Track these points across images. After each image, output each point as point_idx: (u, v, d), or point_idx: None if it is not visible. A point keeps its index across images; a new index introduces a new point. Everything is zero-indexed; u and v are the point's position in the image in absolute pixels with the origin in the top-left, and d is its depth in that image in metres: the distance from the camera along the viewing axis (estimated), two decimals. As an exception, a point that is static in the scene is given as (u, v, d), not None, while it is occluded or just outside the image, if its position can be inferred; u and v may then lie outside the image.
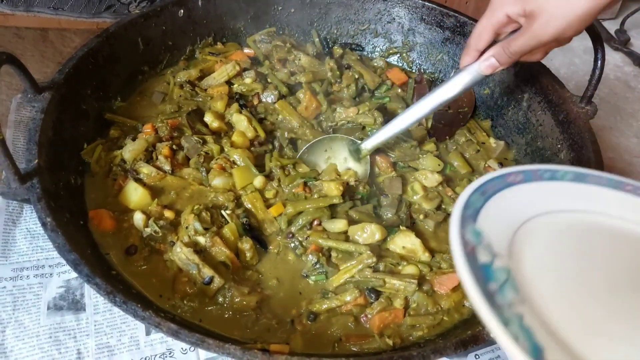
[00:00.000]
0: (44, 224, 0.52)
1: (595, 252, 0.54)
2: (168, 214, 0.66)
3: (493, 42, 0.66)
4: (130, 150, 0.71)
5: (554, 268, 0.49)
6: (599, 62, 0.68)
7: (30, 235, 0.72)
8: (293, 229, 0.68)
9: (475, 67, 0.67)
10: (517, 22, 0.61)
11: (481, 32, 0.64)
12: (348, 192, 0.73)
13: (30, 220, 0.74)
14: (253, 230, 0.67)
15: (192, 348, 0.62)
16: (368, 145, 0.76)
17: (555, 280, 0.47)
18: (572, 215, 0.57)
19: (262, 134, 0.78)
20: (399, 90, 0.92)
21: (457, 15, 0.88)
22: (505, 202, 0.53)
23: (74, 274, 0.68)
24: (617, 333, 0.44)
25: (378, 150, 0.78)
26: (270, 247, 0.67)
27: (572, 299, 0.46)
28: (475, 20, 0.86)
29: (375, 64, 0.96)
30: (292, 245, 0.67)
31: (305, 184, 0.73)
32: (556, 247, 0.52)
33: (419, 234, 0.69)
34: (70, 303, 0.66)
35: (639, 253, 0.55)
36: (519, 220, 0.52)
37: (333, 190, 0.70)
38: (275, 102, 0.84)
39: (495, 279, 0.42)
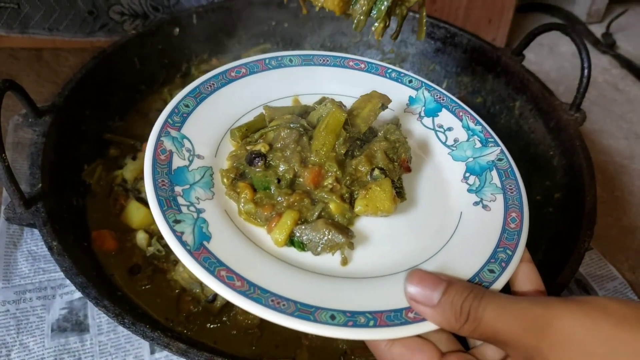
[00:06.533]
0: (50, 248, 0.53)
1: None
2: (170, 232, 0.67)
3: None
4: (131, 169, 0.71)
5: None
6: (586, 71, 0.69)
7: (32, 257, 0.72)
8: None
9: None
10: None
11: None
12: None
13: (31, 242, 0.74)
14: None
15: (198, 365, 0.63)
16: None
17: None
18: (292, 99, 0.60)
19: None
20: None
21: (447, 26, 0.89)
22: (223, 100, 0.55)
23: (76, 295, 0.68)
24: None
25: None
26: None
27: None
28: (465, 31, 0.88)
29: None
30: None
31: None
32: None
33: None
34: (74, 324, 0.66)
35: None
36: (238, 114, 0.55)
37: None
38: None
39: (185, 181, 0.46)
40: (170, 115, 0.51)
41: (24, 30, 0.94)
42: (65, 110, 0.68)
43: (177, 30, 0.86)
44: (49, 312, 0.67)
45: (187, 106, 0.52)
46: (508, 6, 1.21)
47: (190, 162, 0.48)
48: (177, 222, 0.42)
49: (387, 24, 0.54)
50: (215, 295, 0.60)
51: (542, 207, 0.73)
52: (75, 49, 1.07)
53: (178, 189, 0.45)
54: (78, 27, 0.98)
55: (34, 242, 0.74)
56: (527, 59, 0.85)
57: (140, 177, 0.72)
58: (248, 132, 0.53)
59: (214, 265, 0.40)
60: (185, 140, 0.50)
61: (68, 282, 0.68)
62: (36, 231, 0.73)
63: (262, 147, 0.50)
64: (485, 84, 0.87)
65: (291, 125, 0.50)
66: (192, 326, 0.60)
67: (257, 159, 0.49)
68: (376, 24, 0.53)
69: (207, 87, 0.55)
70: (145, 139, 0.77)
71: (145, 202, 0.70)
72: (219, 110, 0.54)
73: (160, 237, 0.66)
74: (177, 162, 0.47)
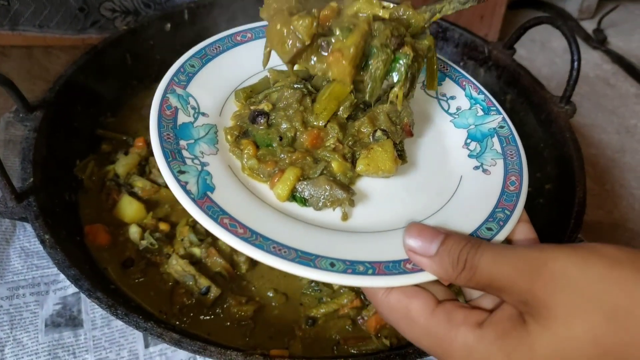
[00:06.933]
0: (42, 242, 0.53)
1: None
2: (163, 226, 0.67)
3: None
4: (123, 164, 0.71)
5: None
6: (575, 63, 0.70)
7: (25, 253, 0.72)
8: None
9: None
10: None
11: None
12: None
13: (23, 238, 0.74)
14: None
15: (192, 358, 0.63)
16: None
17: None
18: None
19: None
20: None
21: (438, 21, 0.89)
22: (229, 62, 0.56)
23: (70, 291, 0.68)
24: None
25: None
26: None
27: None
28: (457, 26, 0.88)
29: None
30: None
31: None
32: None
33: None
34: (68, 319, 0.66)
35: None
36: (242, 77, 0.56)
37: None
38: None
39: (190, 136, 0.47)
40: (176, 74, 0.52)
41: (14, 27, 0.93)
42: (57, 106, 0.68)
43: (169, 25, 0.86)
44: (42, 308, 0.66)
45: (192, 66, 0.53)
46: (500, 3, 1.22)
47: (195, 119, 0.49)
48: (182, 172, 0.43)
49: (408, 86, 0.49)
50: (209, 288, 0.61)
51: (533, 198, 0.73)
52: (66, 46, 1.07)
53: (183, 142, 0.46)
54: (69, 24, 0.97)
55: (26, 238, 0.74)
56: (518, 54, 0.86)
57: (132, 172, 0.72)
58: (252, 93, 0.54)
59: (217, 213, 0.41)
60: (190, 99, 0.50)
61: (61, 277, 0.68)
62: (29, 227, 0.73)
63: (265, 106, 0.51)
64: (477, 78, 0.87)
65: (295, 86, 0.51)
66: (185, 318, 0.60)
67: (260, 116, 0.50)
68: (395, 89, 0.49)
69: (213, 50, 0.56)
70: (138, 135, 0.79)
71: (137, 197, 0.70)
72: (224, 72, 0.55)
73: (152, 231, 0.66)
74: (182, 118, 0.48)
